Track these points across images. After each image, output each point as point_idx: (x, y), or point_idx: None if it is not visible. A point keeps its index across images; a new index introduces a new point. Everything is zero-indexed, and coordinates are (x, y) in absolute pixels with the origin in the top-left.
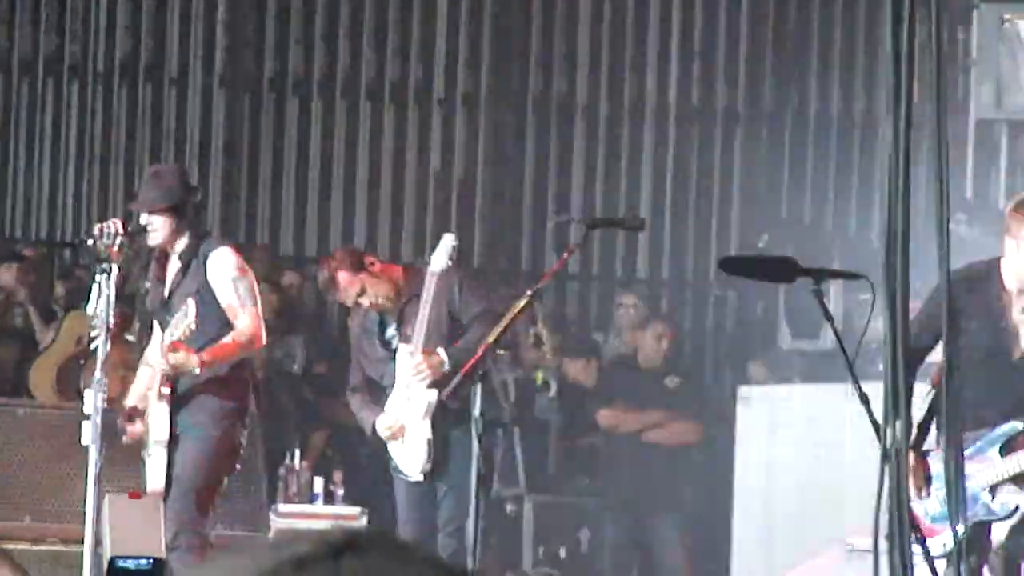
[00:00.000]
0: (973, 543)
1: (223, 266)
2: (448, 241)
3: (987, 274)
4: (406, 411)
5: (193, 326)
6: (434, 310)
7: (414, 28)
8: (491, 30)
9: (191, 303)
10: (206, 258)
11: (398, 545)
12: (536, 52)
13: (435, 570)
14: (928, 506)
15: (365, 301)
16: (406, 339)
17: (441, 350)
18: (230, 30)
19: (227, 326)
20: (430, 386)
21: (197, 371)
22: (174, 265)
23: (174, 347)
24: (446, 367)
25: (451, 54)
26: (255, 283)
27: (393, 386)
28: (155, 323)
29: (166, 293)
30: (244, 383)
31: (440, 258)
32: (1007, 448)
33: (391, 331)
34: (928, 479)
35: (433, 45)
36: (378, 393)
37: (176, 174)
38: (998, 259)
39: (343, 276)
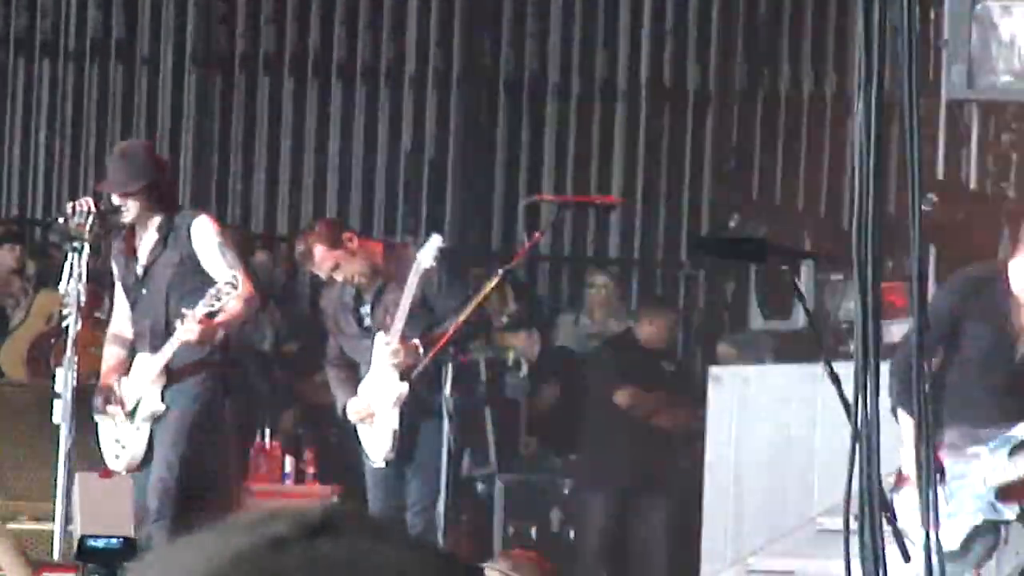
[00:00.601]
0: (979, 542)
1: (207, 233)
2: (436, 242)
3: (994, 276)
4: (377, 397)
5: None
6: (415, 303)
7: (385, 6)
8: (463, 8)
9: (224, 282)
10: (188, 227)
11: (376, 524)
12: (507, 30)
13: (414, 550)
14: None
15: (339, 276)
16: (384, 327)
17: (417, 341)
18: (201, 8)
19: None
20: (403, 377)
21: (220, 336)
22: (149, 238)
23: (203, 320)
24: (422, 358)
25: (422, 32)
26: (234, 245)
27: (367, 367)
28: (122, 297)
29: (140, 268)
30: (225, 363)
31: (427, 256)
32: (1017, 450)
33: (365, 309)
34: (941, 472)
35: (404, 23)
36: (352, 368)
37: (145, 150)
38: (1005, 261)
39: (319, 250)
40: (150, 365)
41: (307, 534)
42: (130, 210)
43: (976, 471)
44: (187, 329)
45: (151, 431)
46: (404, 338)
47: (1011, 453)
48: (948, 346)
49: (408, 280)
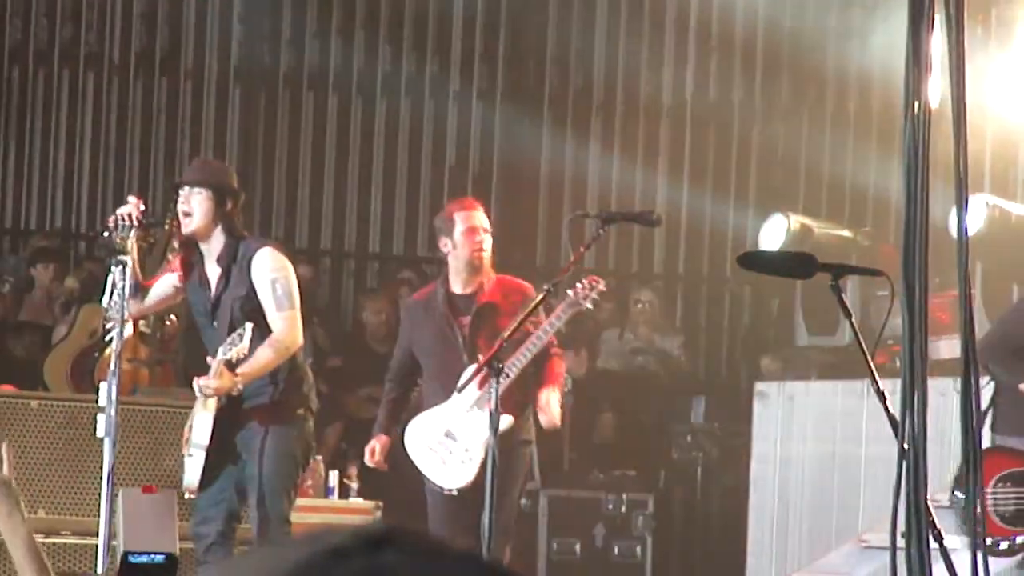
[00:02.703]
0: None
1: (263, 267)
2: (602, 287)
3: None
4: (465, 427)
5: (245, 352)
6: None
7: (430, 23)
8: (507, 25)
9: (248, 328)
10: (249, 261)
11: (436, 542)
12: (552, 47)
13: (473, 567)
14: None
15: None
16: (477, 358)
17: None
18: (246, 23)
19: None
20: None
21: (238, 390)
22: (214, 267)
23: (222, 371)
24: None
25: (467, 49)
26: (294, 282)
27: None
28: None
29: (211, 299)
30: (300, 400)
31: (589, 299)
32: None
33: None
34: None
35: (449, 40)
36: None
37: (224, 167)
38: None
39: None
40: (203, 416)
41: (368, 546)
42: (193, 214)
43: None
44: (204, 385)
45: (205, 459)
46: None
47: None
48: None
49: (556, 315)
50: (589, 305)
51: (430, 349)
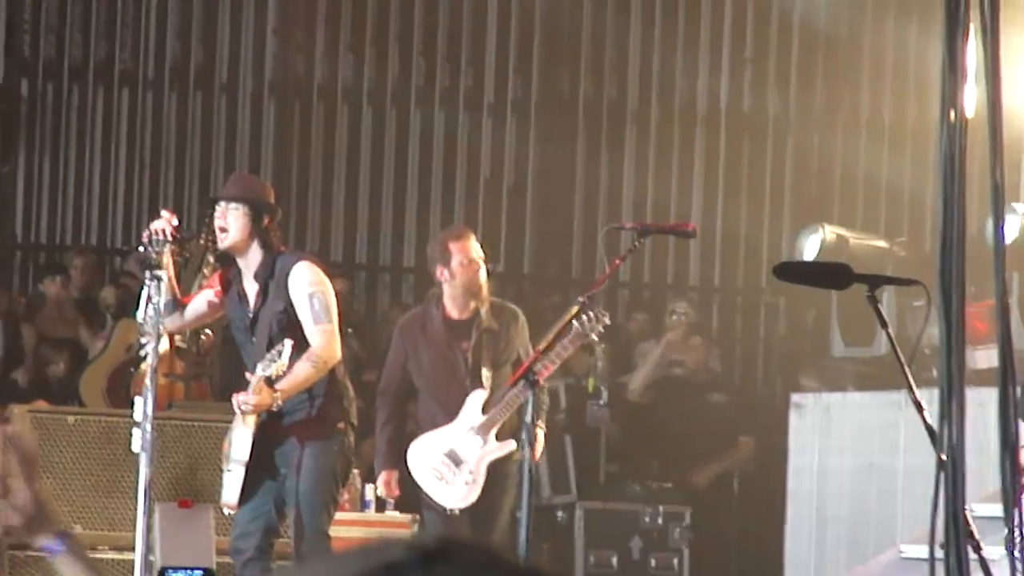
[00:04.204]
0: None
1: (300, 281)
2: (607, 321)
3: None
4: (470, 450)
5: (285, 368)
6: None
7: (464, 34)
8: (541, 35)
9: (287, 345)
10: (286, 276)
11: (491, 554)
12: (586, 58)
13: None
14: None
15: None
16: (481, 382)
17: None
18: (280, 37)
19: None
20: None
21: (278, 405)
22: (251, 285)
23: (262, 387)
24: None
25: (501, 60)
26: (332, 296)
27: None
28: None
29: (250, 314)
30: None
31: (595, 331)
32: None
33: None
34: None
35: (483, 51)
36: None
37: (261, 183)
38: None
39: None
40: (243, 431)
41: (422, 561)
42: (229, 230)
43: None
44: (243, 401)
45: (245, 475)
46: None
47: None
48: None
49: (563, 346)
50: (594, 337)
51: (429, 373)
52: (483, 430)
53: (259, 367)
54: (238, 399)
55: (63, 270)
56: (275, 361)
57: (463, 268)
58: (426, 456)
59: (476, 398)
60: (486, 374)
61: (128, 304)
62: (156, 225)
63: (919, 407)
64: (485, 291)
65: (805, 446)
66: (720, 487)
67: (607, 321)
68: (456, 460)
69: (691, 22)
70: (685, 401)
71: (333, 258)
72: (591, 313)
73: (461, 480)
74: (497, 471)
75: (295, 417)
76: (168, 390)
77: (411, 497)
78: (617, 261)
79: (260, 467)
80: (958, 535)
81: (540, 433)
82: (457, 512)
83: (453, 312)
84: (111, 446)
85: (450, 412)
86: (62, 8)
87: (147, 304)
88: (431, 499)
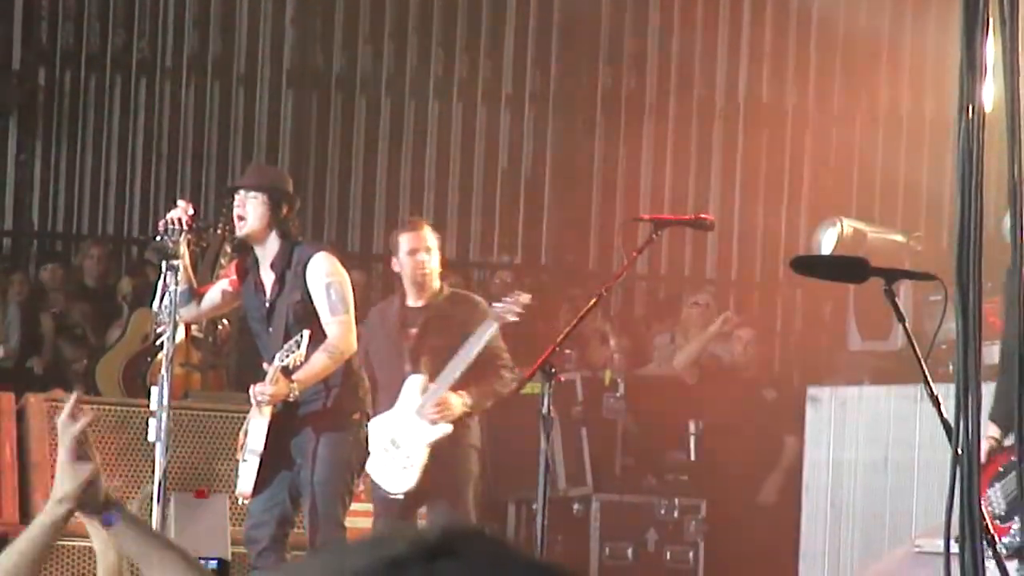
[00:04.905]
0: None
1: (318, 272)
2: (525, 299)
3: None
4: (407, 435)
5: (303, 359)
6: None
7: (483, 25)
8: (559, 28)
9: (305, 335)
10: (304, 266)
11: (497, 546)
12: (604, 49)
13: (536, 572)
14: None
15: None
16: (420, 367)
17: (464, 393)
18: (298, 27)
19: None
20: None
21: (295, 396)
22: (267, 275)
23: (279, 378)
24: (465, 409)
25: (519, 52)
26: (348, 287)
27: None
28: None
29: (266, 304)
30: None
31: (510, 312)
32: None
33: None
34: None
35: (501, 43)
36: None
37: (280, 172)
38: None
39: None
40: (259, 422)
41: (426, 556)
42: (246, 219)
43: None
44: (260, 392)
45: (260, 465)
46: (453, 387)
47: None
48: None
49: (480, 328)
50: (512, 318)
51: (379, 359)
52: (420, 414)
53: (277, 357)
54: (255, 389)
55: (63, 259)
56: (293, 352)
57: (407, 258)
58: (373, 442)
59: (413, 382)
60: (425, 360)
61: (145, 294)
62: (173, 215)
63: (936, 401)
64: (433, 280)
65: (821, 439)
66: (736, 479)
67: (524, 299)
68: (395, 444)
69: (709, 14)
70: (732, 391)
71: (350, 248)
72: (508, 298)
73: (399, 464)
74: (450, 457)
75: (311, 407)
76: (184, 380)
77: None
78: (635, 253)
79: (275, 457)
80: (973, 529)
81: (457, 402)
82: (400, 497)
83: (409, 300)
84: (127, 435)
85: (393, 397)
86: None
87: (163, 294)
88: (378, 485)
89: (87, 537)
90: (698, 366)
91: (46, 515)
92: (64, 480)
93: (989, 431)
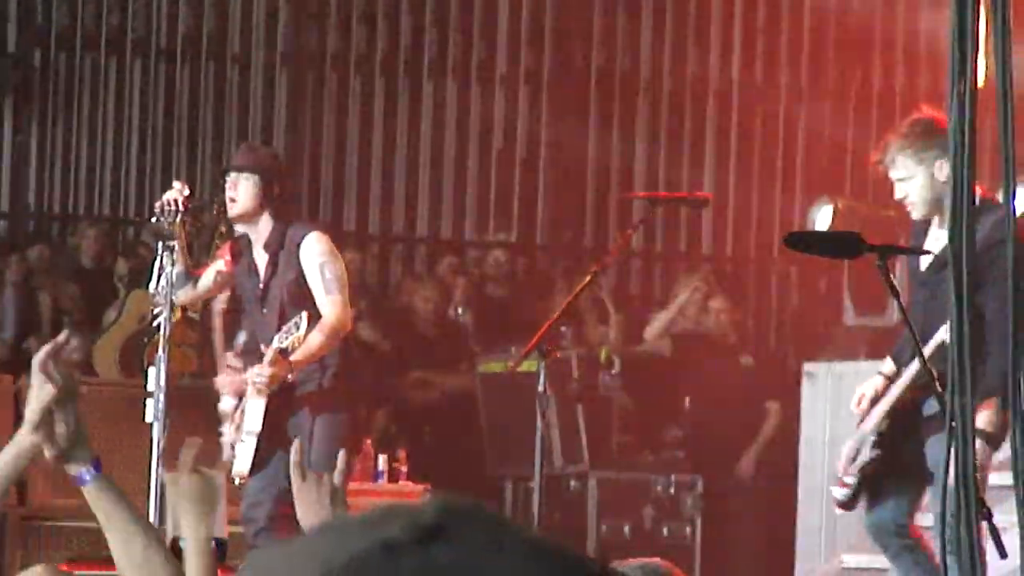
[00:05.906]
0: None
1: (311, 252)
2: (301, 321)
3: None
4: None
5: (301, 340)
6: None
7: (476, 5)
8: (553, 6)
9: (304, 317)
10: (299, 244)
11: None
12: (598, 28)
13: (534, 556)
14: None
15: None
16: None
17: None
18: (292, 7)
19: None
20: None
21: (291, 377)
22: (261, 256)
23: (277, 359)
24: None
25: (513, 31)
26: (342, 267)
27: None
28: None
29: (260, 286)
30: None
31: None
32: None
33: None
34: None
35: (495, 22)
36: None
37: (272, 152)
38: None
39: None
40: (256, 402)
41: (421, 539)
42: (238, 200)
43: None
44: (258, 374)
45: (256, 445)
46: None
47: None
48: None
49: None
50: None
51: None
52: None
53: (276, 339)
54: (252, 372)
55: (48, 238)
56: (292, 333)
57: None
58: None
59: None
60: None
61: (141, 275)
62: (168, 196)
63: (931, 375)
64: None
65: (817, 415)
66: (733, 456)
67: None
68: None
69: None
70: (709, 361)
71: (346, 228)
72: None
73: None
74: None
75: (307, 387)
76: (181, 360)
77: (425, 466)
78: (630, 231)
79: (272, 437)
80: (968, 503)
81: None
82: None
83: None
84: (124, 416)
85: None
86: None
87: (160, 275)
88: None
89: (85, 519)
90: (669, 337)
91: (13, 444)
92: (30, 401)
93: (884, 367)
